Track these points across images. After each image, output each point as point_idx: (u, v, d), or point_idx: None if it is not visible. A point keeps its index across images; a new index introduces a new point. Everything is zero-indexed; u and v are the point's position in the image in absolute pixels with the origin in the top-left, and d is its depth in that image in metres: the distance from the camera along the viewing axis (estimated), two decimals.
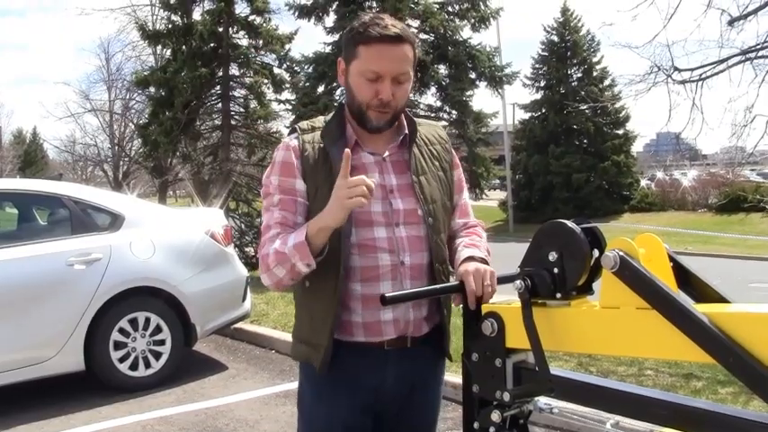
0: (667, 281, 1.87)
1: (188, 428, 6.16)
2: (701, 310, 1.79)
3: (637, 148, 50.14)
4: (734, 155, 13.48)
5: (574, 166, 38.86)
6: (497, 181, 38.14)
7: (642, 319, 1.86)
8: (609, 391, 2.05)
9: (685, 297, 1.87)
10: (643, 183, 44.68)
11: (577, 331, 2.03)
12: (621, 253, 1.88)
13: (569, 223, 2.05)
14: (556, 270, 2.05)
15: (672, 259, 1.95)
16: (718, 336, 1.72)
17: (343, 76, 2.62)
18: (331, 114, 2.71)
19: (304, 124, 2.68)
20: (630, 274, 1.86)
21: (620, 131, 40.90)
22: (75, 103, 56.19)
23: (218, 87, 19.46)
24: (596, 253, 2.04)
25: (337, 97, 17.49)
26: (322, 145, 2.59)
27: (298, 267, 2.44)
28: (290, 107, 18.67)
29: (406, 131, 2.69)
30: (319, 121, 2.70)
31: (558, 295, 2.06)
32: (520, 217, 37.59)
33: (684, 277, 1.96)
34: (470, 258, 2.53)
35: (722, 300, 1.92)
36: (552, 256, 2.05)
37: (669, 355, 1.89)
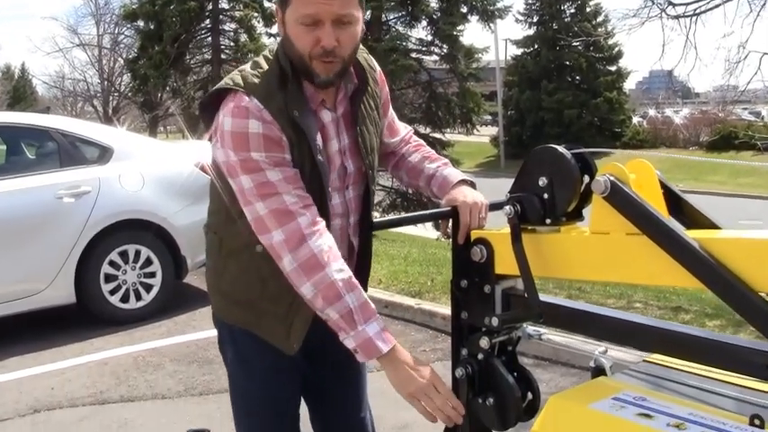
0: (658, 207, 1.86)
1: (179, 359, 6.20)
2: (692, 235, 1.78)
3: (629, 85, 50.09)
4: (726, 93, 13.44)
5: (566, 102, 38.83)
6: (489, 117, 38.03)
7: (632, 245, 1.84)
8: (597, 317, 2.05)
9: (676, 223, 1.85)
10: (635, 120, 44.65)
11: (567, 257, 2.02)
12: (612, 178, 1.86)
13: (560, 148, 2.02)
14: (546, 195, 2.03)
15: (663, 185, 1.94)
16: (707, 261, 1.71)
17: (281, 25, 2.28)
18: (270, 68, 2.31)
19: (256, 86, 2.25)
20: (621, 199, 1.85)
21: (613, 68, 40.84)
22: (63, 38, 55.83)
23: (207, 21, 19.34)
24: (587, 179, 2.02)
25: None
26: (293, 113, 2.24)
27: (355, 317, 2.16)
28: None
29: (356, 81, 2.41)
30: (259, 76, 2.28)
31: (548, 221, 2.04)
32: (511, 153, 37.62)
33: (676, 204, 1.95)
34: (462, 182, 2.48)
35: (713, 226, 1.91)
36: (542, 182, 2.03)
37: (659, 280, 1.87)
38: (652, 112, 48.62)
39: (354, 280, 2.19)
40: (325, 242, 2.18)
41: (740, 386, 1.86)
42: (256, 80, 2.26)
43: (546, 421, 1.84)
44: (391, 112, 2.67)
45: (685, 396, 1.85)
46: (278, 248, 2.18)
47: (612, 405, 1.78)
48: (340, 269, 2.16)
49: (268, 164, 2.19)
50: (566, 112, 38.78)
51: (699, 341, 1.84)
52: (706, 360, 1.84)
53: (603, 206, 1.89)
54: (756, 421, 1.63)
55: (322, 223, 2.22)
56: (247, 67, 2.33)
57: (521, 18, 41.96)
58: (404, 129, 2.77)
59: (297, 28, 2.20)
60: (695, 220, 1.94)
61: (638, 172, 1.91)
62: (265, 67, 2.31)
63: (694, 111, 44.66)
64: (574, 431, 1.78)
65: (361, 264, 2.52)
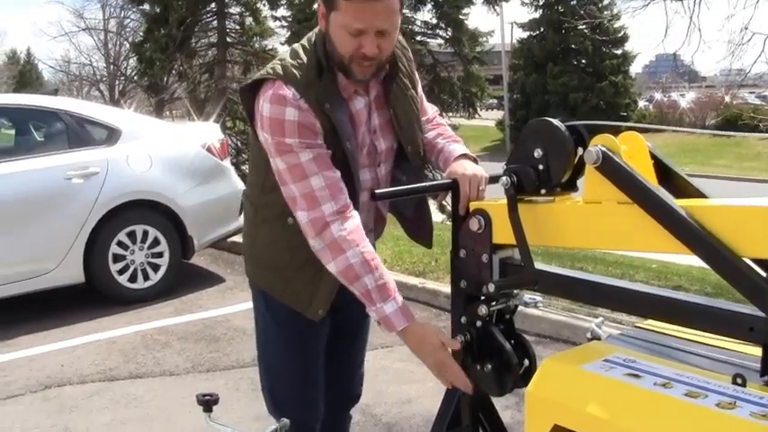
0: (648, 176, 1.93)
1: (186, 338, 6.30)
2: (680, 204, 1.85)
3: (636, 69, 49.93)
4: (732, 77, 13.45)
5: (571, 85, 38.75)
6: (494, 101, 38.04)
7: (623, 213, 1.92)
8: (588, 283, 2.13)
9: (665, 192, 1.92)
10: (641, 104, 44.53)
11: (561, 226, 2.10)
12: (604, 148, 1.93)
13: (554, 121, 2.09)
14: (541, 167, 2.10)
15: (653, 156, 2.01)
16: (694, 228, 1.78)
17: (324, 20, 2.38)
18: (308, 59, 2.43)
19: (295, 77, 2.39)
20: (612, 169, 1.92)
21: (619, 51, 40.67)
22: (68, 22, 55.56)
23: (213, 4, 19.35)
24: (580, 151, 2.09)
25: None
26: (325, 105, 2.39)
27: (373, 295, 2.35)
28: (286, 24, 18.56)
29: (387, 67, 2.51)
30: (298, 67, 2.41)
31: (543, 191, 2.12)
32: (517, 137, 37.59)
33: (665, 174, 2.02)
34: (463, 156, 2.58)
35: (701, 196, 1.99)
36: (537, 153, 2.10)
37: (649, 247, 1.94)
38: (658, 95, 48.47)
39: (374, 261, 2.35)
40: (347, 227, 2.36)
41: (725, 348, 1.94)
42: (295, 71, 2.40)
43: (540, 381, 1.92)
44: (420, 93, 2.78)
45: (673, 358, 1.93)
46: (306, 228, 2.39)
47: (602, 366, 1.86)
48: (359, 252, 2.34)
49: (300, 147, 2.36)
50: (571, 95, 38.71)
51: (687, 306, 1.92)
52: (693, 324, 1.91)
53: (595, 176, 1.96)
54: (738, 380, 1.71)
55: (347, 207, 2.39)
56: (287, 56, 2.47)
57: (527, 1, 41.88)
58: (431, 109, 2.90)
59: (340, 32, 2.32)
60: (684, 189, 2.01)
61: (629, 143, 1.98)
62: (304, 57, 2.44)
63: (700, 94, 44.54)
64: (566, 390, 1.86)
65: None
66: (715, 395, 1.67)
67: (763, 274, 1.78)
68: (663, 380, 1.76)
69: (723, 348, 1.95)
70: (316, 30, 2.51)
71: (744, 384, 1.70)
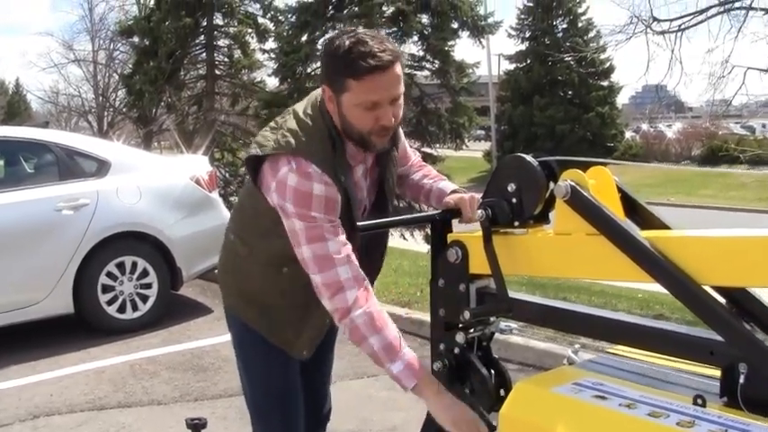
0: (615, 209, 2.04)
1: (174, 367, 6.36)
2: (645, 235, 1.97)
3: (622, 100, 50.36)
4: (716, 107, 13.61)
5: (558, 117, 39.07)
6: (482, 132, 38.22)
7: (592, 244, 2.02)
8: (562, 311, 2.23)
9: (631, 224, 2.03)
10: (628, 135, 44.87)
11: (534, 256, 2.21)
12: (573, 183, 2.05)
13: (527, 157, 2.21)
14: (514, 200, 2.22)
15: (620, 190, 2.12)
16: (657, 258, 1.89)
17: (332, 103, 2.44)
18: (319, 132, 2.50)
19: (312, 152, 2.45)
20: (580, 203, 2.03)
21: (605, 83, 41.03)
22: (58, 54, 55.42)
23: (202, 37, 19.53)
24: (552, 185, 2.20)
25: (319, 47, 17.57)
26: (341, 178, 2.48)
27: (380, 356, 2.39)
28: (274, 56, 18.72)
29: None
30: (310, 138, 2.48)
31: (516, 223, 2.23)
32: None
33: (631, 206, 2.13)
34: (455, 191, 2.72)
35: (665, 227, 2.10)
36: (511, 188, 2.22)
37: (615, 276, 2.05)
38: (645, 126, 48.85)
39: (379, 321, 2.39)
40: (355, 293, 2.40)
41: (687, 371, 2.05)
42: (310, 143, 2.46)
43: (513, 403, 2.03)
44: (404, 142, 2.89)
45: (639, 381, 2.04)
46: (319, 288, 2.44)
47: (572, 389, 1.97)
48: (364, 312, 2.39)
49: (325, 220, 2.42)
50: (558, 127, 39.02)
51: (652, 332, 2.03)
52: (659, 349, 2.03)
53: (565, 209, 2.07)
54: (699, 401, 1.82)
55: (365, 280, 2.46)
56: (293, 124, 2.52)
57: (513, 33, 42.29)
58: (413, 155, 3.03)
59: (355, 110, 2.39)
60: (648, 220, 2.12)
61: (597, 177, 2.10)
62: (310, 127, 2.50)
63: (686, 125, 44.91)
64: (538, 412, 1.96)
65: (372, 263, 2.81)
66: (676, 415, 1.78)
67: (723, 301, 1.89)
68: (628, 401, 1.86)
69: (686, 371, 2.05)
70: (316, 95, 2.58)
71: (704, 405, 1.81)
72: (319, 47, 17.73)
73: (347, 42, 2.35)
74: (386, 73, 2.33)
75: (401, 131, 2.82)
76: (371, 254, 2.78)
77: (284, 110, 2.68)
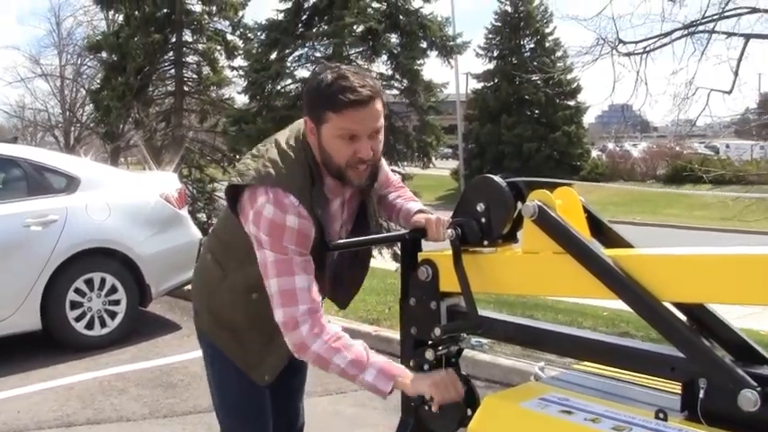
0: (581, 228, 2.11)
1: (143, 384, 6.35)
2: (609, 254, 2.04)
3: (589, 119, 50.82)
4: (680, 127, 13.82)
5: (525, 136, 39.32)
6: (449, 150, 38.41)
7: (558, 262, 2.09)
8: (529, 328, 2.30)
9: (595, 243, 2.11)
10: (594, 154, 45.24)
11: (503, 274, 2.28)
12: (540, 203, 2.11)
13: (496, 178, 2.28)
14: (483, 220, 2.29)
15: (586, 210, 2.20)
16: (619, 275, 1.97)
17: (313, 135, 2.50)
18: (300, 165, 2.54)
19: (292, 184, 2.49)
20: (547, 223, 2.10)
21: (572, 102, 41.38)
22: (24, 68, 54.92)
23: (171, 53, 19.51)
24: (520, 205, 2.27)
25: (289, 64, 17.62)
26: (317, 211, 2.52)
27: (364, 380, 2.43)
28: (243, 74, 18.74)
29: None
30: (290, 171, 2.52)
31: (486, 242, 2.30)
32: None
33: (597, 226, 2.21)
34: (420, 212, 2.77)
35: (628, 245, 2.17)
36: (480, 207, 2.29)
37: (581, 293, 2.12)
38: (611, 145, 49.28)
39: (338, 343, 2.45)
40: (308, 326, 2.45)
41: (650, 386, 2.12)
42: (290, 175, 2.50)
43: (482, 418, 2.09)
44: (385, 170, 2.95)
45: (603, 396, 2.11)
46: (279, 323, 2.49)
47: (539, 404, 2.03)
48: (323, 341, 2.45)
49: (295, 252, 2.46)
50: (525, 145, 39.29)
51: (616, 348, 2.10)
52: (622, 365, 2.10)
53: (533, 228, 2.14)
54: (660, 415, 1.89)
55: (319, 312, 2.49)
56: (274, 154, 2.57)
57: (481, 52, 42.57)
58: (393, 177, 3.07)
59: (335, 141, 2.44)
60: (613, 239, 2.20)
61: (564, 198, 2.17)
62: (291, 159, 2.55)
63: (652, 145, 45.36)
64: (505, 426, 2.02)
65: (350, 282, 2.91)
66: (639, 429, 1.85)
67: (683, 317, 1.97)
68: (593, 416, 1.93)
69: (648, 386, 2.13)
70: (299, 126, 2.63)
71: (665, 419, 1.88)
72: (289, 64, 17.81)
73: (329, 77, 2.41)
74: (365, 108, 2.39)
75: (384, 162, 2.87)
76: (353, 270, 2.87)
77: (265, 139, 2.72)
